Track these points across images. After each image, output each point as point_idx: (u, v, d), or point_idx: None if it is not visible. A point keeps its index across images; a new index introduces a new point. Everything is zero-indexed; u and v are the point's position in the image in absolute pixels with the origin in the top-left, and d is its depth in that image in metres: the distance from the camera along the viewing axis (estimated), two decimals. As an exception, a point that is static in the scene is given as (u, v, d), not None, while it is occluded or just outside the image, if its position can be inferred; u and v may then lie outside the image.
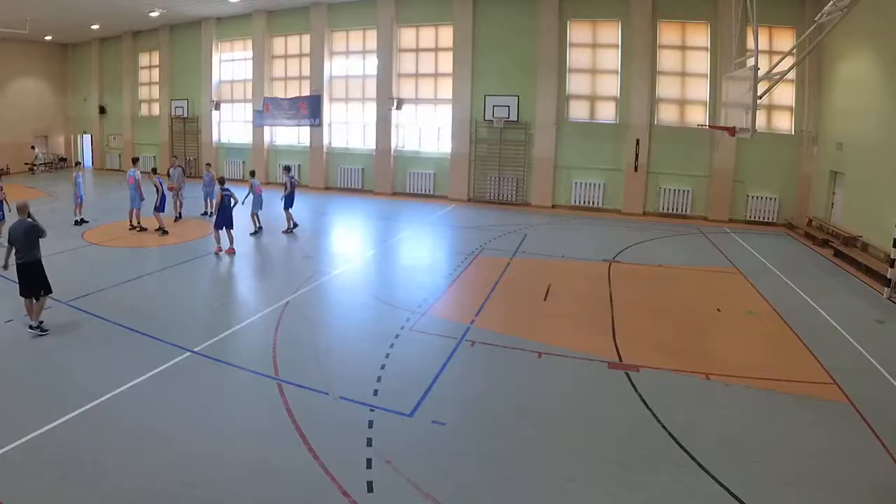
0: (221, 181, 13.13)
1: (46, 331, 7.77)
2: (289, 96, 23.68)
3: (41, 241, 7.89)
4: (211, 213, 16.52)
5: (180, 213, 16.44)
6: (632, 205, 19.01)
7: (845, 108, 15.28)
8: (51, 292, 8.00)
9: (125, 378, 6.52)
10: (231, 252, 12.59)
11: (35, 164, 28.68)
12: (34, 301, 7.77)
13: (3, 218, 13.10)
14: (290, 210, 14.85)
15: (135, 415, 5.82)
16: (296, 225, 14.98)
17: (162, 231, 14.27)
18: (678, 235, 16.07)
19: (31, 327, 7.72)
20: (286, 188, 14.76)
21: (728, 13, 15.83)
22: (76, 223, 15.06)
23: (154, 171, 15.40)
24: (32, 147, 29.01)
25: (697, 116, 18.37)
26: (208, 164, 18.78)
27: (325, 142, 23.18)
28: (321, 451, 5.25)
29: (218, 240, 12.72)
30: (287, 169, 15.34)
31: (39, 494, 4.58)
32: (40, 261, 7.88)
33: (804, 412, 6.26)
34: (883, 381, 7.05)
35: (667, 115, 18.84)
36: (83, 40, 29.45)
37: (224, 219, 12.56)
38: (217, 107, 25.76)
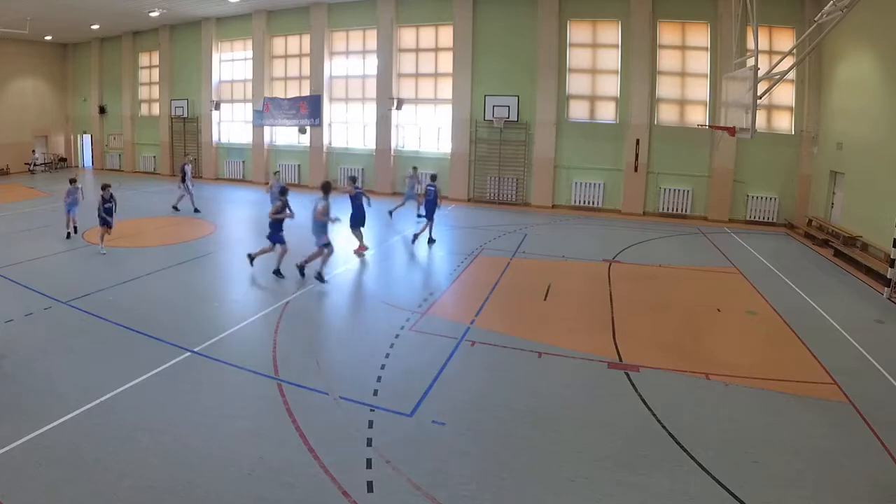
0: (354, 180, 13.15)
1: None
2: (289, 96, 23.68)
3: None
4: (198, 208, 17.51)
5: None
6: (632, 205, 19.01)
7: (845, 108, 15.27)
8: None
9: (125, 378, 6.51)
10: (362, 250, 12.78)
11: (35, 165, 28.65)
12: None
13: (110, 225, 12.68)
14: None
15: (135, 414, 5.81)
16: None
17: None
18: (678, 235, 16.07)
19: None
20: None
21: (728, 13, 15.86)
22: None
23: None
24: (33, 151, 29.06)
25: (697, 116, 18.37)
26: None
27: (325, 142, 23.18)
28: (321, 451, 5.24)
29: (361, 238, 12.77)
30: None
31: (39, 494, 4.58)
32: None
33: (804, 412, 6.26)
34: (883, 381, 7.05)
35: (667, 115, 18.84)
36: (83, 40, 29.44)
37: (357, 218, 12.58)
38: (217, 107, 25.75)
